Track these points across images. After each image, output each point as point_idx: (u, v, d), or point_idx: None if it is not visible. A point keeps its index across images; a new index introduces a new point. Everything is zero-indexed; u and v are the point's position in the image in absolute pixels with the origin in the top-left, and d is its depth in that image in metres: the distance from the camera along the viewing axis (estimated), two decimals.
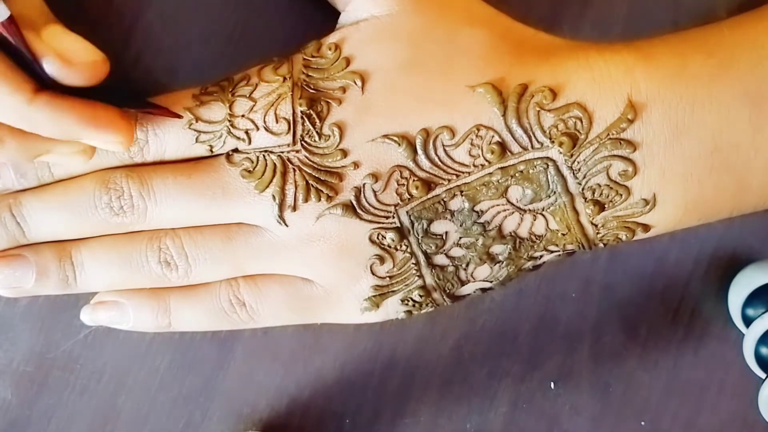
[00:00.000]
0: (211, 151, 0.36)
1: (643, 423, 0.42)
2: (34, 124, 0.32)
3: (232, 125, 0.35)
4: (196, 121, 0.36)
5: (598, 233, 0.35)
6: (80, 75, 0.32)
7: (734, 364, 0.42)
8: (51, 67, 0.31)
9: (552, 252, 0.36)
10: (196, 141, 0.36)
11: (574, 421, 0.42)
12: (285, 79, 0.36)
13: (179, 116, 0.36)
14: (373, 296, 0.37)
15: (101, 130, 0.33)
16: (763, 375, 0.40)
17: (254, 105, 0.35)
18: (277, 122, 0.35)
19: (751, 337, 0.40)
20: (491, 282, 0.37)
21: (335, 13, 0.37)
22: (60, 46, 0.32)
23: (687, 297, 0.42)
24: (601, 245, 0.36)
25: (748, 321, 0.41)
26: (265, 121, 0.35)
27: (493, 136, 0.34)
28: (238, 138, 0.36)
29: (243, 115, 0.35)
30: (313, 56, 0.36)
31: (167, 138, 0.36)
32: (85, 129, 0.33)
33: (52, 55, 0.31)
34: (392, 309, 0.37)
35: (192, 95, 0.37)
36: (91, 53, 0.32)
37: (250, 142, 0.36)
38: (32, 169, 0.37)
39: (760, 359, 0.40)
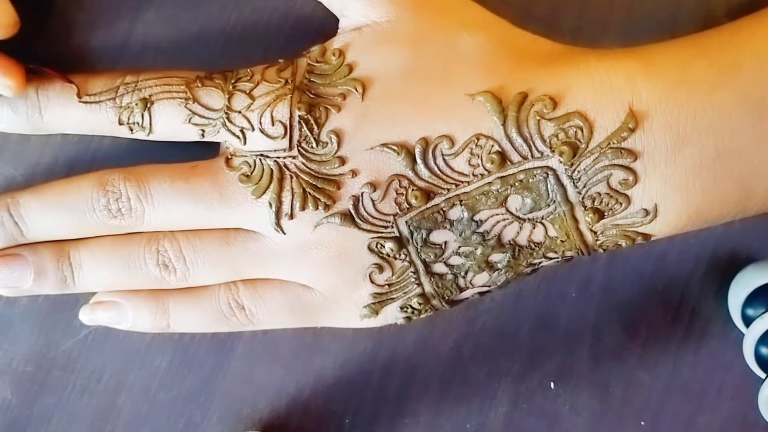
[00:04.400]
0: (203, 135, 0.36)
1: (643, 423, 0.42)
2: None
3: (228, 118, 0.35)
4: (193, 102, 0.36)
5: (597, 240, 0.35)
6: None
7: (734, 364, 0.42)
8: None
9: (551, 259, 0.36)
10: (189, 121, 0.36)
11: (574, 421, 0.42)
12: (287, 81, 0.35)
13: (71, 82, 0.36)
14: (372, 304, 0.37)
15: None
16: (763, 375, 0.40)
17: (252, 103, 0.35)
18: (273, 125, 0.35)
19: (751, 337, 0.40)
20: (490, 287, 0.37)
21: (334, 15, 0.37)
22: None
23: (687, 297, 0.42)
24: (601, 251, 0.36)
25: (748, 321, 0.41)
26: (260, 123, 0.35)
27: (492, 146, 0.34)
28: (233, 134, 0.35)
29: (240, 111, 0.35)
30: (317, 61, 0.36)
31: (162, 111, 0.36)
32: None
33: None
34: (391, 315, 0.37)
35: (196, 76, 0.36)
36: (8, 16, 0.34)
37: (245, 142, 0.35)
38: (23, 106, 0.36)
39: (760, 359, 0.40)
